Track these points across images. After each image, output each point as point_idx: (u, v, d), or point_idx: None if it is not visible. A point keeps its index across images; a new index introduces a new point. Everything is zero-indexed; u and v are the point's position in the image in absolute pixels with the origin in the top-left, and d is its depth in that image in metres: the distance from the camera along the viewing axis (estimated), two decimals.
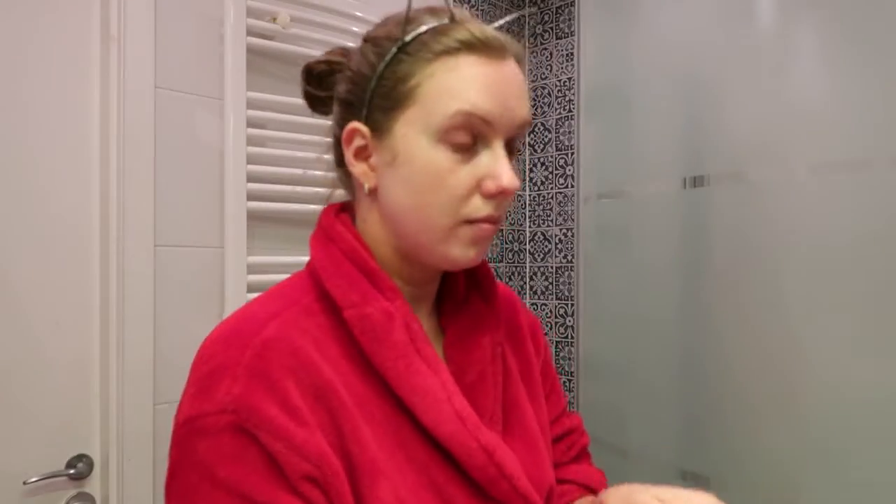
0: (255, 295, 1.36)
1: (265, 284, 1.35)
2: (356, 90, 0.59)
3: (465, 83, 0.54)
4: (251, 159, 1.33)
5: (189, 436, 0.49)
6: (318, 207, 1.49)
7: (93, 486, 1.17)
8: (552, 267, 2.02)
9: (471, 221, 0.56)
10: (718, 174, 1.14)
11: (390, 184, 0.57)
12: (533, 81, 2.04)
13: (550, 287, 2.02)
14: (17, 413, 1.10)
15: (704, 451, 1.15)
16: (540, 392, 0.71)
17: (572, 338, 1.98)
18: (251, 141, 1.33)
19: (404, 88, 0.56)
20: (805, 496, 1.02)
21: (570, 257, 1.97)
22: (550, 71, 1.99)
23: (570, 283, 1.97)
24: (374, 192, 0.59)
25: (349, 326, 0.55)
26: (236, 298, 1.29)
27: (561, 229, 1.98)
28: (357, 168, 0.59)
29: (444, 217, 0.56)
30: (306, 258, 1.40)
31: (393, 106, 0.56)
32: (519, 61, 0.59)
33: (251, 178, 1.33)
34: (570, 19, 1.93)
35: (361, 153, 0.59)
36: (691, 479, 1.17)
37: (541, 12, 2.01)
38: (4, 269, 1.09)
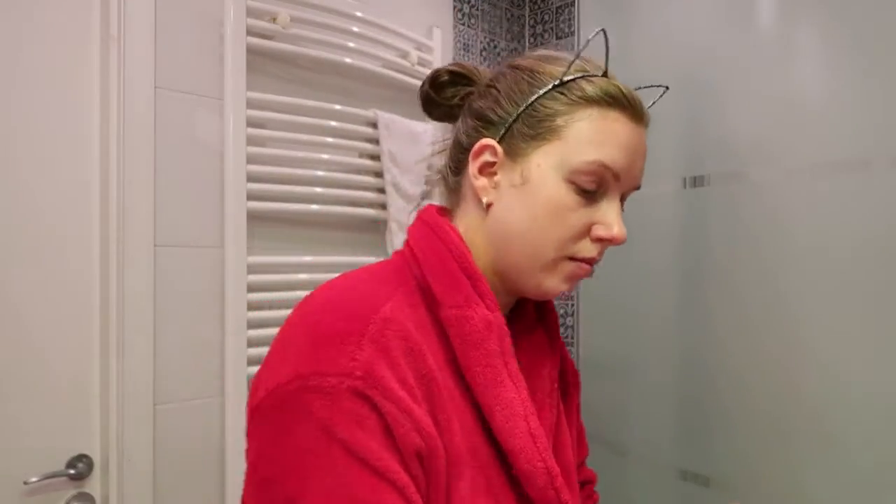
0: (255, 295, 1.37)
1: (265, 284, 1.35)
2: (499, 110, 0.62)
3: (608, 137, 0.59)
4: (251, 159, 1.33)
5: (301, 392, 0.48)
6: (318, 207, 1.49)
7: (93, 486, 1.17)
8: None
9: (574, 259, 0.60)
10: (718, 174, 1.14)
11: (510, 205, 0.60)
12: None
13: None
14: (17, 413, 1.10)
15: (704, 451, 1.15)
16: (575, 436, 0.74)
17: (572, 338, 1.98)
18: (251, 141, 1.33)
19: (552, 124, 0.59)
20: (805, 496, 1.02)
21: None
22: None
23: None
24: (488, 208, 0.62)
25: (445, 325, 0.57)
26: (236, 298, 1.29)
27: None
28: (480, 181, 0.62)
29: (553, 250, 0.59)
30: (307, 258, 1.41)
31: (536, 136, 0.60)
32: (645, 127, 0.63)
33: (251, 178, 1.33)
34: (570, 19, 1.93)
35: (486, 168, 0.62)
36: (691, 479, 1.17)
37: (541, 12, 2.01)
38: (4, 269, 1.09)
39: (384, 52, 1.56)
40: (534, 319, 0.70)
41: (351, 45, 1.48)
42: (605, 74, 0.61)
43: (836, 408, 0.99)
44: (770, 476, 1.06)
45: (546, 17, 2.00)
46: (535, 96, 0.60)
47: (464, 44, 1.83)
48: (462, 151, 0.65)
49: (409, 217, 1.53)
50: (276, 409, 0.49)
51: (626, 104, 0.60)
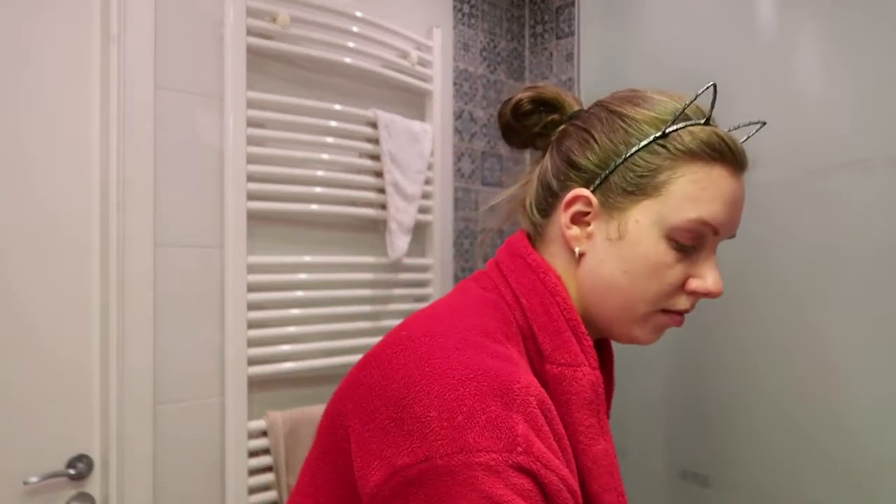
0: (255, 295, 1.37)
1: (265, 284, 1.35)
2: (596, 160, 0.60)
3: (711, 193, 0.57)
4: (251, 159, 1.33)
5: (466, 468, 0.46)
6: (318, 207, 1.49)
7: (93, 486, 1.17)
8: None
9: (667, 311, 0.60)
10: None
11: (606, 258, 0.59)
12: (533, 81, 2.04)
13: None
14: (17, 413, 1.10)
15: (704, 451, 1.15)
16: None
17: None
18: (251, 141, 1.33)
19: (653, 180, 0.58)
20: (805, 496, 1.02)
21: None
22: (550, 71, 1.99)
23: None
24: (580, 258, 0.61)
25: (548, 379, 0.57)
26: (236, 298, 1.29)
27: None
28: (572, 231, 0.61)
29: (648, 304, 0.59)
30: (307, 258, 1.41)
31: (635, 192, 0.58)
32: (742, 173, 0.62)
33: (251, 178, 1.33)
34: (570, 19, 1.93)
35: (579, 218, 0.61)
36: (691, 479, 1.17)
37: (541, 12, 2.01)
38: (4, 269, 1.09)
39: (384, 52, 1.56)
40: (606, 358, 0.71)
41: (351, 45, 1.48)
42: (707, 122, 0.60)
43: (836, 408, 0.99)
44: (770, 476, 1.06)
45: (546, 17, 2.00)
46: (635, 149, 0.58)
47: (464, 44, 1.83)
48: (552, 195, 0.63)
49: (409, 217, 1.53)
50: (437, 481, 0.46)
51: (730, 157, 0.59)
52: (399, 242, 1.52)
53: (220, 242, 1.30)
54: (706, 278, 0.59)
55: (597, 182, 0.60)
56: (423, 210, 1.61)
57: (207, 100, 1.29)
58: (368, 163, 1.51)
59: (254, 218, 1.34)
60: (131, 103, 1.18)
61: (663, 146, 0.58)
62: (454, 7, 1.80)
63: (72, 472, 1.14)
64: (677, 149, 0.58)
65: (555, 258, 0.63)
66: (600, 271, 0.60)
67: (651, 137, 0.58)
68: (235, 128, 1.30)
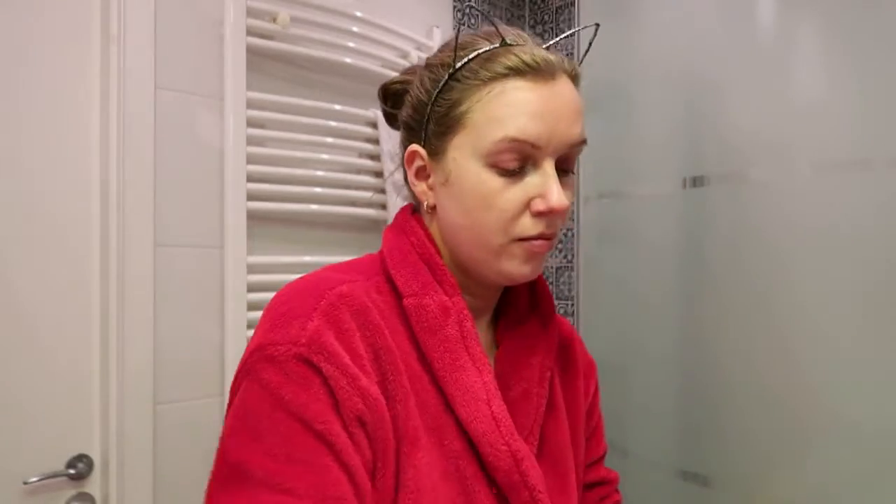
0: (255, 295, 1.36)
1: (265, 284, 1.35)
2: (415, 115, 0.63)
3: (512, 109, 0.56)
4: (251, 159, 1.33)
5: (257, 361, 0.51)
6: (318, 207, 1.49)
7: (93, 486, 1.17)
8: (552, 267, 2.02)
9: (523, 239, 0.58)
10: (718, 174, 1.14)
11: (446, 203, 0.60)
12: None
13: (550, 287, 2.02)
14: (17, 413, 1.10)
15: (704, 451, 1.15)
16: (581, 431, 0.73)
17: None
18: (251, 141, 1.33)
19: (455, 114, 0.58)
20: (805, 496, 1.02)
21: (570, 257, 1.97)
22: None
23: (570, 283, 1.97)
24: (433, 210, 0.63)
25: (407, 314, 0.58)
26: (236, 298, 1.29)
27: (561, 229, 1.98)
28: (418, 187, 0.63)
29: (497, 236, 0.58)
30: (307, 258, 1.41)
31: (445, 131, 0.59)
32: (574, 79, 0.60)
33: (251, 178, 1.33)
34: (569, 19, 1.93)
35: (421, 173, 0.63)
36: (691, 479, 1.17)
37: (541, 12, 2.01)
38: (4, 269, 1.09)
39: (384, 52, 1.56)
40: (526, 308, 0.69)
41: (351, 45, 1.48)
42: (503, 44, 0.58)
43: (836, 407, 0.99)
44: (770, 476, 1.06)
45: (546, 17, 2.00)
46: (437, 91, 0.59)
47: None
48: (403, 162, 0.66)
49: None
50: (237, 379, 0.53)
51: (526, 68, 0.56)
52: None
53: (220, 242, 1.30)
54: (546, 196, 0.57)
55: (422, 135, 0.61)
56: None
57: (207, 100, 1.29)
58: (368, 163, 1.51)
59: (254, 218, 1.34)
60: (131, 103, 1.18)
61: (457, 80, 0.58)
62: (454, 7, 1.80)
63: (72, 472, 1.14)
64: (469, 78, 0.58)
65: (426, 217, 0.65)
66: (447, 217, 0.61)
67: (445, 78, 0.59)
68: (235, 128, 1.30)
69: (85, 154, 1.18)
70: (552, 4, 1.98)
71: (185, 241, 1.27)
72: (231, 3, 1.30)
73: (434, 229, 0.64)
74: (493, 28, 0.59)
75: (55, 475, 1.12)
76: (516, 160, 0.56)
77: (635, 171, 1.29)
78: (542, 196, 0.57)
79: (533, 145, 0.56)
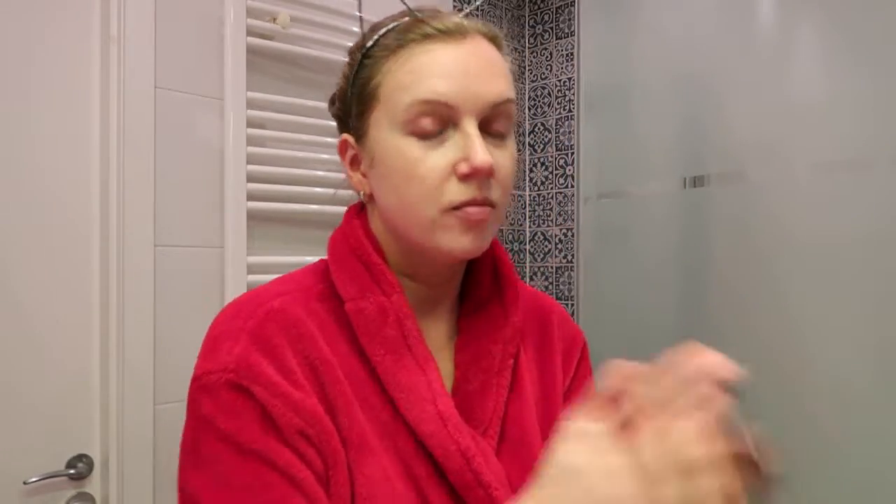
0: None
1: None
2: (341, 105, 0.62)
3: (419, 72, 0.55)
4: (251, 159, 1.33)
5: (195, 392, 0.52)
6: (318, 207, 1.49)
7: (93, 486, 1.17)
8: (552, 267, 2.02)
9: (456, 208, 0.55)
10: (718, 174, 1.14)
11: (377, 186, 0.59)
12: (533, 81, 2.04)
13: (550, 287, 2.02)
14: (17, 413, 1.10)
15: None
16: (558, 412, 0.68)
17: None
18: (251, 141, 1.33)
19: (369, 90, 0.58)
20: (805, 496, 1.02)
21: (570, 257, 1.97)
22: (550, 71, 1.99)
23: (570, 283, 1.97)
24: (371, 198, 0.61)
25: (349, 318, 0.57)
26: None
27: (561, 229, 1.98)
28: (353, 178, 0.62)
29: (426, 208, 0.55)
30: (307, 258, 1.42)
31: (363, 110, 0.58)
32: (492, 41, 0.59)
33: (251, 178, 1.33)
34: (570, 19, 1.93)
35: (354, 162, 0.62)
36: None
37: (541, 12, 2.01)
38: (5, 269, 1.09)
39: None
40: (489, 290, 0.66)
41: (351, 45, 1.48)
42: (412, 18, 0.58)
43: (836, 407, 0.99)
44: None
45: (546, 17, 2.00)
46: (353, 74, 0.60)
47: None
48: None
49: None
50: (187, 405, 0.54)
51: (432, 31, 0.56)
52: None
53: (220, 242, 1.30)
54: (469, 156, 0.54)
55: (349, 123, 0.61)
56: None
57: (207, 100, 1.29)
58: None
59: (254, 218, 1.34)
60: (131, 103, 1.18)
61: (369, 57, 0.58)
62: (454, 7, 1.80)
63: (72, 472, 1.14)
64: (376, 53, 0.58)
65: (371, 213, 0.64)
66: (381, 201, 0.59)
67: (358, 58, 0.59)
68: (235, 128, 1.30)
69: (85, 154, 1.18)
70: (552, 4, 1.98)
71: (185, 241, 1.27)
72: (231, 3, 1.30)
73: (377, 221, 0.62)
74: (405, 9, 0.60)
75: (55, 475, 1.12)
76: (433, 123, 0.55)
77: (635, 171, 1.29)
78: (465, 157, 0.54)
79: (446, 105, 0.54)
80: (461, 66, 0.55)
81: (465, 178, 0.55)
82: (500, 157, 0.56)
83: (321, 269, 0.62)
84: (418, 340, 0.57)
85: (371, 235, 0.61)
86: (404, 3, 0.59)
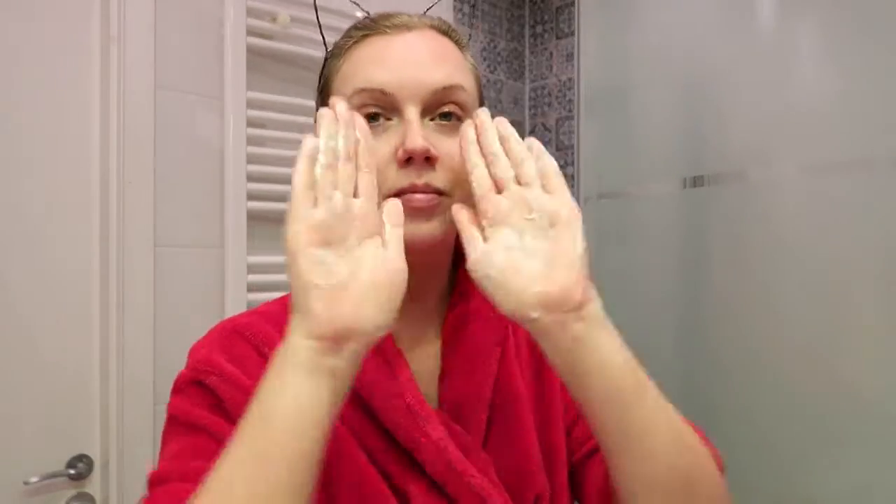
0: (255, 295, 1.36)
1: (265, 284, 1.35)
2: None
3: (358, 63, 0.57)
4: (251, 159, 1.33)
5: (170, 396, 0.58)
6: None
7: (93, 486, 1.17)
8: None
9: (397, 194, 0.55)
10: (718, 174, 1.14)
11: None
12: (533, 81, 2.04)
13: None
14: (17, 413, 1.10)
15: None
16: (555, 415, 0.67)
17: None
18: (251, 141, 1.33)
19: (323, 89, 0.61)
20: (805, 495, 1.02)
21: None
22: (550, 71, 1.99)
23: None
24: None
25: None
26: (236, 298, 1.29)
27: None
28: None
29: None
30: None
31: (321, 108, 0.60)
32: (445, 33, 0.60)
33: (251, 178, 1.33)
34: (570, 19, 1.93)
35: None
36: None
37: (541, 12, 2.01)
38: (4, 269, 1.09)
39: None
40: (466, 292, 0.64)
41: None
42: (368, 18, 0.61)
43: (836, 407, 0.99)
44: (770, 476, 1.06)
45: (546, 17, 2.00)
46: (321, 85, 0.62)
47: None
48: None
49: None
50: None
51: (372, 25, 0.58)
52: None
53: (220, 242, 1.30)
54: (404, 141, 0.54)
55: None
56: None
57: (207, 100, 1.29)
58: None
59: (254, 218, 1.34)
60: (131, 103, 1.18)
61: (326, 59, 0.62)
62: (454, 7, 1.80)
63: (72, 472, 1.14)
64: (332, 53, 0.61)
65: None
66: None
67: (322, 65, 0.63)
68: (235, 128, 1.30)
69: (85, 154, 1.18)
70: (552, 4, 1.98)
71: (185, 241, 1.27)
72: (231, 3, 1.30)
73: None
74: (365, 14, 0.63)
75: (55, 475, 1.12)
76: (374, 110, 0.55)
77: (635, 171, 1.29)
78: (401, 144, 0.55)
79: (382, 92, 0.55)
80: (400, 55, 0.56)
81: (403, 164, 0.54)
82: (447, 144, 0.56)
83: (287, 300, 0.63)
84: (389, 342, 0.58)
85: None
86: (356, 4, 0.62)
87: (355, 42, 0.59)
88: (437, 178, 0.56)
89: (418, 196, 0.55)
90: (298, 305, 0.47)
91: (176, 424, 0.56)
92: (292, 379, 0.46)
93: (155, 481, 0.53)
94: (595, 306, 0.52)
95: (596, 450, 0.69)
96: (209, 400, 0.55)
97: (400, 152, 0.54)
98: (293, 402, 0.45)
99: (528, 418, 0.64)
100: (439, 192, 0.56)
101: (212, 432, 0.53)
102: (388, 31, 0.58)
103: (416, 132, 0.54)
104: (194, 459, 0.52)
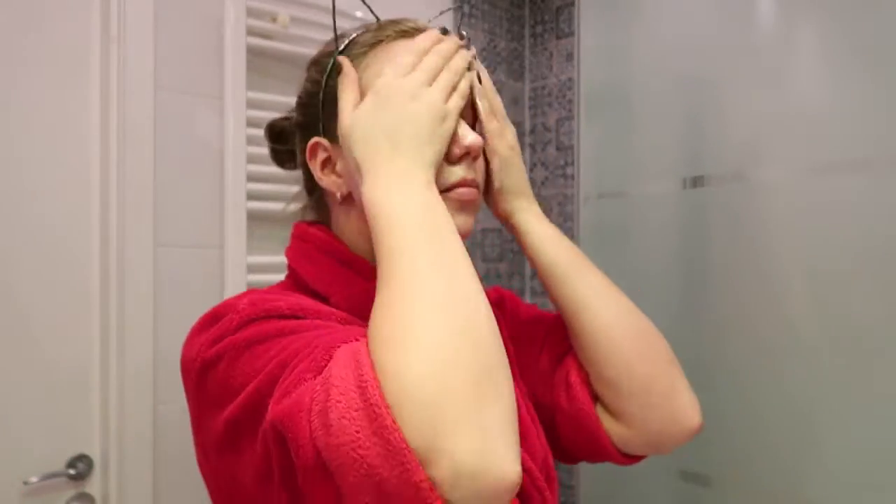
0: None
1: (265, 284, 1.34)
2: (309, 110, 0.64)
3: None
4: (251, 159, 1.33)
5: (207, 353, 0.54)
6: None
7: (93, 486, 1.17)
8: None
9: (447, 189, 0.57)
10: (718, 174, 1.14)
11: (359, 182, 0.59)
12: (533, 81, 2.04)
13: None
14: (17, 413, 1.10)
15: (704, 451, 1.15)
16: (530, 379, 0.71)
17: None
18: (251, 141, 1.33)
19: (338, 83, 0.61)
20: (805, 495, 1.02)
21: None
22: (550, 71, 1.99)
23: None
24: (348, 198, 0.61)
25: (338, 308, 0.58)
26: None
27: (561, 229, 1.98)
28: (326, 180, 0.62)
29: None
30: None
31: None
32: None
33: (251, 178, 1.33)
34: (570, 19, 1.93)
35: (327, 164, 0.62)
36: (691, 479, 1.17)
37: (541, 12, 2.01)
38: (4, 269, 1.09)
39: None
40: None
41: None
42: (379, 22, 0.63)
43: (836, 408, 0.99)
44: (770, 476, 1.06)
45: (546, 17, 2.00)
46: (325, 76, 0.62)
47: None
48: (306, 170, 0.66)
49: None
50: (191, 389, 0.61)
51: (392, 32, 0.61)
52: None
53: (220, 242, 1.30)
54: (461, 138, 0.57)
55: (320, 126, 0.62)
56: None
57: (207, 100, 1.29)
58: None
59: (254, 218, 1.34)
60: (131, 103, 1.18)
61: (352, 54, 0.61)
62: (454, 5, 1.80)
63: (72, 472, 1.14)
64: (353, 51, 0.61)
65: (337, 219, 0.65)
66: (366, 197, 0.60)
67: (331, 62, 0.62)
68: (235, 128, 1.30)
69: (85, 154, 1.18)
70: (552, 4, 1.98)
71: (185, 241, 1.27)
72: (231, 3, 1.30)
73: (351, 223, 0.63)
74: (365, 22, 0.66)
75: (55, 475, 1.12)
76: None
77: (635, 171, 1.29)
78: (455, 141, 0.56)
79: None
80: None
81: (457, 160, 0.57)
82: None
83: (287, 282, 0.64)
84: None
85: (338, 239, 0.63)
86: (371, 11, 0.65)
87: (383, 43, 0.61)
88: (477, 173, 0.60)
89: (466, 190, 0.58)
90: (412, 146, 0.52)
91: (277, 336, 0.50)
92: (426, 192, 0.50)
93: (320, 357, 0.46)
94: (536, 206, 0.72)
95: (564, 353, 0.73)
96: (280, 322, 0.52)
97: (459, 150, 0.56)
98: (439, 205, 0.49)
99: (520, 384, 0.67)
100: (477, 186, 0.60)
101: (307, 325, 0.51)
102: (407, 34, 0.61)
103: (469, 129, 0.57)
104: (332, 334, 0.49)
